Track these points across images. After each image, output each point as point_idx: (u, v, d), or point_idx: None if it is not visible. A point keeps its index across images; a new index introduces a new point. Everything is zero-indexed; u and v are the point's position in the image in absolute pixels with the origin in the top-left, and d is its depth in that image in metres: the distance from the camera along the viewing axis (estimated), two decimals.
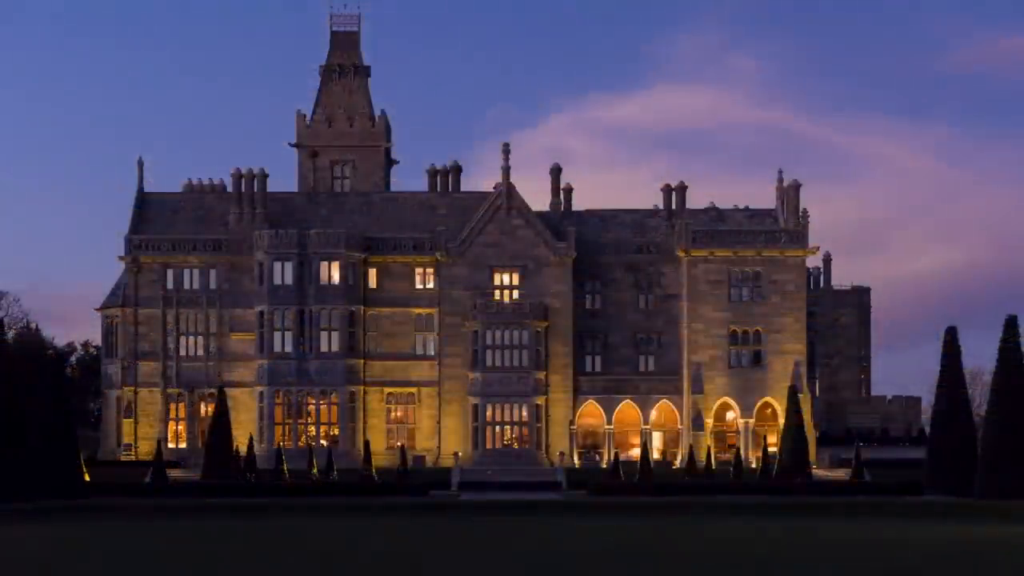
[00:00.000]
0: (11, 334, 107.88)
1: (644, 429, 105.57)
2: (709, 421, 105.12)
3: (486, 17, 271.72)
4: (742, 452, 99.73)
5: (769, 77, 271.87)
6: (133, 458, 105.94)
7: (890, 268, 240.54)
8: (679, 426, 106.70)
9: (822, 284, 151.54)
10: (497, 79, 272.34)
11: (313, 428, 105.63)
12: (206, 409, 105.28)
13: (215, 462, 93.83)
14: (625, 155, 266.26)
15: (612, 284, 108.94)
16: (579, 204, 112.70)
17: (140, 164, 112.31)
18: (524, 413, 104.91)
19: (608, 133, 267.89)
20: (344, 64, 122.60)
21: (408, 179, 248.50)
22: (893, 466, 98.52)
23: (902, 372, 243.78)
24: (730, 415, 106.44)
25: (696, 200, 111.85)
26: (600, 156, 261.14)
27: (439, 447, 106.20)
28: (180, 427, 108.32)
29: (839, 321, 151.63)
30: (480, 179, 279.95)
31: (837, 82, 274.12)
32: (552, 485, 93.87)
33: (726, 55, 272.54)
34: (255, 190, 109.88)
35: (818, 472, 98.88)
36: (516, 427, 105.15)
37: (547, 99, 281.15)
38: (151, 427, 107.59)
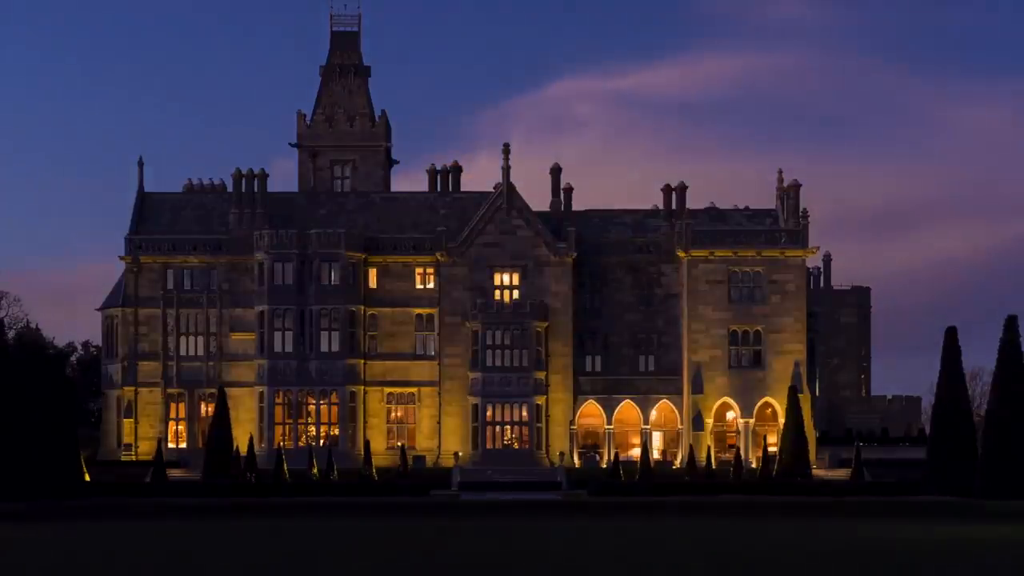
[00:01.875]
0: (11, 334, 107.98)
1: (644, 429, 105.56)
2: (709, 421, 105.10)
3: (487, 13, 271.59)
4: (742, 452, 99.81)
5: (813, 37, 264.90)
6: (133, 458, 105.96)
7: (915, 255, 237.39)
8: (679, 426, 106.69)
9: (822, 284, 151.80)
10: (499, 73, 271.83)
11: (313, 428, 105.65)
12: (206, 409, 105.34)
13: (215, 462, 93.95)
14: (643, 129, 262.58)
15: (612, 284, 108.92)
16: (581, 201, 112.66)
17: (140, 164, 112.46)
18: (524, 413, 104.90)
19: (622, 106, 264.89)
20: (344, 64, 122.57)
21: (408, 179, 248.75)
22: (893, 466, 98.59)
23: (902, 372, 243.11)
24: (730, 415, 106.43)
25: (697, 199, 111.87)
26: (615, 132, 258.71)
27: (439, 447, 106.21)
28: (180, 427, 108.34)
29: (839, 321, 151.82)
30: (482, 155, 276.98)
31: (897, 38, 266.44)
32: (552, 485, 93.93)
33: (767, 9, 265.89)
34: (255, 190, 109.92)
35: (818, 472, 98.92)
36: (516, 427, 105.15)
37: (552, 79, 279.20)
38: (151, 427, 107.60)
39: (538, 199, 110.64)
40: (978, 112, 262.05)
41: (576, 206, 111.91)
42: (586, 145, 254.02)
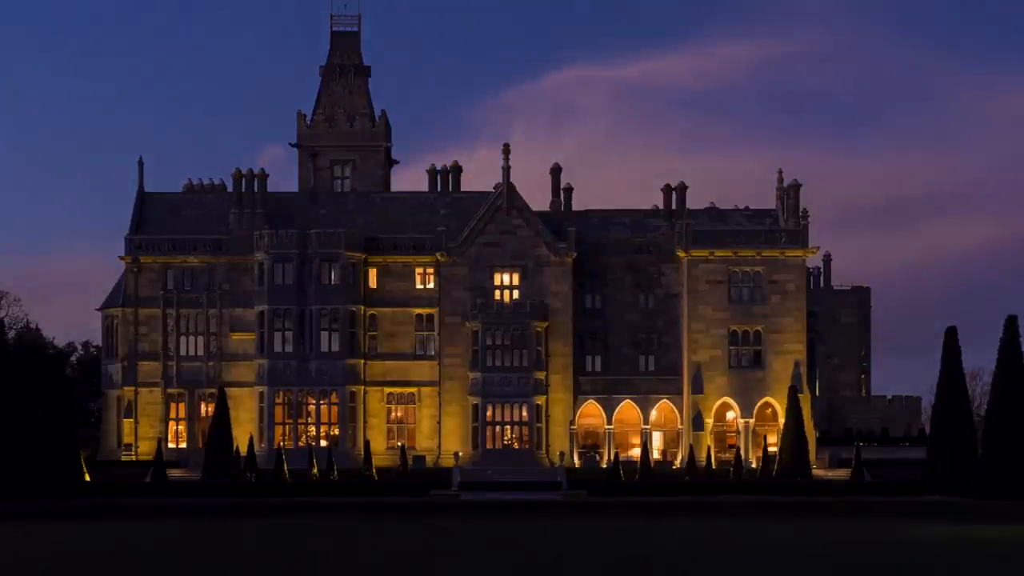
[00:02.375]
0: (11, 334, 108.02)
1: (644, 429, 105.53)
2: (709, 421, 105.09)
3: (486, 12, 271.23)
4: (742, 452, 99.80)
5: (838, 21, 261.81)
6: (133, 458, 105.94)
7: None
8: (679, 426, 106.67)
9: (822, 284, 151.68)
10: (500, 62, 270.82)
11: (313, 428, 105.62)
12: (206, 409, 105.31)
13: (215, 462, 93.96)
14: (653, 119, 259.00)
15: (612, 284, 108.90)
16: (582, 195, 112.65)
17: (140, 164, 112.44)
18: (524, 413, 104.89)
19: (627, 97, 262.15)
20: (344, 64, 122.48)
21: (408, 179, 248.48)
22: (893, 466, 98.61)
23: (902, 372, 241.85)
24: (730, 415, 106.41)
25: (702, 196, 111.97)
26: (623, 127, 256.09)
27: (439, 447, 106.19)
28: (180, 427, 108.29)
29: (839, 321, 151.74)
30: (482, 146, 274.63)
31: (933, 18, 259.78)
32: (552, 485, 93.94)
33: None
34: (255, 190, 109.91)
35: (818, 472, 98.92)
36: (516, 427, 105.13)
37: (555, 68, 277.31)
38: (151, 427, 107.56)
39: (538, 199, 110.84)
40: (997, 98, 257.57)
41: (577, 201, 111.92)
42: (590, 138, 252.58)
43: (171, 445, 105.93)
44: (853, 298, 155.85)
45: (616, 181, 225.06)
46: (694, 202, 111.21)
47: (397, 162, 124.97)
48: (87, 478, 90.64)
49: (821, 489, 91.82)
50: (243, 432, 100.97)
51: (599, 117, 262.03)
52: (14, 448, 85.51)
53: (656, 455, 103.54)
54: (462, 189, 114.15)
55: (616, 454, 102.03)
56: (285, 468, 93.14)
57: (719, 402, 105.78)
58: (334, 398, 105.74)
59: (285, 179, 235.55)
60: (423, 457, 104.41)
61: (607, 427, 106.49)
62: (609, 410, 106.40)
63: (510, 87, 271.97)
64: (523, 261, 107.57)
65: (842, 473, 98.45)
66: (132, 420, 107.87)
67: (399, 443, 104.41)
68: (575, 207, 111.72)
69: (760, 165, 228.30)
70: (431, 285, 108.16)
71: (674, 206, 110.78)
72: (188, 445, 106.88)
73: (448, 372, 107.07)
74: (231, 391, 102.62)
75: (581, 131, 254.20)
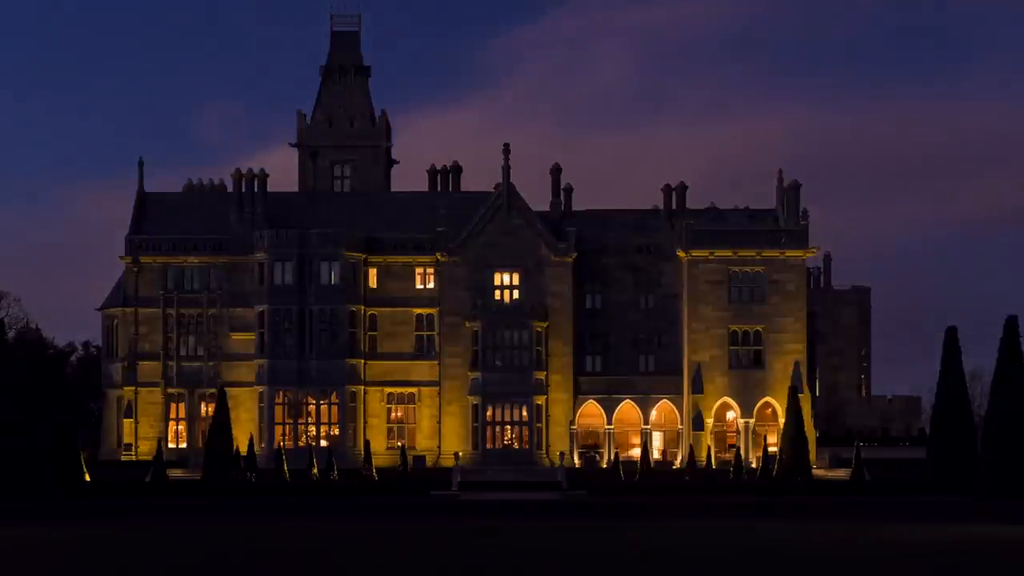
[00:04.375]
0: (11, 334, 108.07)
1: (644, 429, 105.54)
2: (709, 421, 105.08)
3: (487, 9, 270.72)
4: (742, 452, 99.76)
5: None
6: (133, 458, 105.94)
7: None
8: (679, 426, 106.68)
9: (822, 284, 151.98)
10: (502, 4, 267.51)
11: (313, 428, 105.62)
12: (206, 409, 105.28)
13: (215, 462, 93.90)
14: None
15: (612, 284, 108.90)
16: (581, 201, 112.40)
17: (140, 164, 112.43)
18: (524, 413, 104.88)
19: (648, 44, 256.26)
20: (344, 64, 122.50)
21: (408, 179, 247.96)
22: (893, 466, 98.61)
23: (902, 372, 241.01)
24: (730, 415, 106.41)
25: (697, 200, 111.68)
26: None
27: (439, 447, 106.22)
28: (180, 427, 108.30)
29: (839, 321, 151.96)
30: (482, 102, 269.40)
31: None
32: (552, 485, 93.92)
33: None
34: (255, 190, 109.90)
35: (818, 472, 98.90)
36: (516, 427, 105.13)
37: (557, 8, 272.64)
38: (151, 427, 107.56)
39: (538, 198, 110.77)
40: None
41: (577, 205, 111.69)
42: (602, 92, 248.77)
43: (171, 445, 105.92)
44: (853, 298, 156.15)
45: (627, 158, 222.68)
46: (694, 201, 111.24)
47: (397, 162, 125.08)
48: (87, 478, 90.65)
49: (821, 489, 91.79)
50: (243, 432, 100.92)
51: (605, 68, 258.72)
52: (14, 448, 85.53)
53: (656, 455, 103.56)
54: (462, 188, 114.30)
55: (616, 454, 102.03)
56: (285, 468, 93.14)
57: (719, 402, 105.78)
58: (334, 398, 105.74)
59: (286, 179, 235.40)
60: (423, 457, 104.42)
61: (607, 427, 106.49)
62: (609, 410, 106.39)
63: (511, 30, 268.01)
64: (523, 261, 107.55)
65: (842, 473, 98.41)
66: (132, 420, 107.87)
67: (399, 443, 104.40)
68: (576, 203, 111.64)
69: (788, 121, 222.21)
70: (431, 285, 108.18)
71: (674, 206, 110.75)
72: (188, 445, 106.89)
73: (448, 372, 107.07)
74: (231, 391, 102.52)
75: (594, 85, 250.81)
